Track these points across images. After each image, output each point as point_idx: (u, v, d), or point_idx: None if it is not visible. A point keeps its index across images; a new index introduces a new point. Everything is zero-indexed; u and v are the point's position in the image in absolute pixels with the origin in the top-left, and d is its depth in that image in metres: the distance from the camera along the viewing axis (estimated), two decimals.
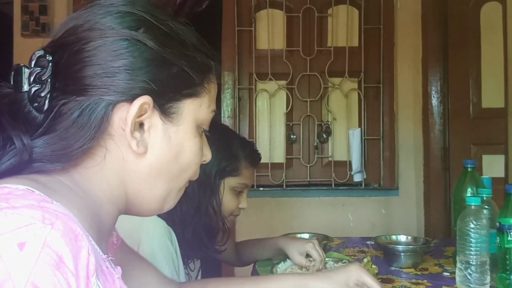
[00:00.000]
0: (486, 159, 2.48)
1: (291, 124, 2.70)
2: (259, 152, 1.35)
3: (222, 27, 2.72)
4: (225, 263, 1.61)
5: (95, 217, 0.57)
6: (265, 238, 1.48)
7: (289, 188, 2.68)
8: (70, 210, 0.51)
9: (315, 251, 1.28)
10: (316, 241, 1.32)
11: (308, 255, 1.30)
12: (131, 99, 0.57)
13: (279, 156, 2.69)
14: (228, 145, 1.23)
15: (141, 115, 0.58)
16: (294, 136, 2.70)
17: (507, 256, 1.06)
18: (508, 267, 1.06)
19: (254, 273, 1.38)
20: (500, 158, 2.11)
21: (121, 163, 0.59)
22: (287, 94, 2.71)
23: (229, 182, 1.24)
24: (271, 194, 2.68)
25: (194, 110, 0.63)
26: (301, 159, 2.69)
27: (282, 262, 1.36)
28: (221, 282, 0.95)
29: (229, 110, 2.69)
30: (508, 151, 1.95)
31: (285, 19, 2.69)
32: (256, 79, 2.69)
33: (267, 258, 1.42)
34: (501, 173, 2.08)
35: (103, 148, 0.58)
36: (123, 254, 0.75)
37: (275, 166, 2.67)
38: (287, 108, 2.70)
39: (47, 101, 0.56)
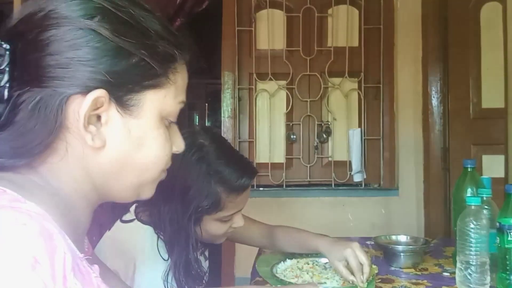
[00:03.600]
0: (486, 159, 2.48)
1: (291, 124, 2.70)
2: (252, 170, 1.16)
3: (222, 27, 2.72)
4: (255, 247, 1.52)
5: (69, 215, 0.56)
6: (305, 235, 1.35)
7: (289, 188, 2.69)
8: (44, 209, 0.50)
9: (354, 258, 1.17)
10: (356, 245, 1.19)
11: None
12: (85, 91, 0.54)
13: (279, 156, 2.69)
14: (203, 183, 1.06)
15: (97, 108, 0.55)
16: (294, 136, 2.70)
17: (507, 256, 1.06)
18: (508, 267, 1.06)
19: (254, 273, 1.38)
20: (500, 158, 2.11)
21: (82, 157, 0.57)
22: (287, 94, 2.71)
23: (213, 216, 1.10)
24: (271, 194, 2.68)
25: (157, 102, 0.60)
26: (301, 159, 2.69)
27: (282, 262, 1.35)
28: None
29: (229, 110, 2.69)
30: (508, 151, 1.95)
31: (285, 19, 2.70)
32: (256, 79, 2.69)
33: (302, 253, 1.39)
34: (501, 173, 2.08)
35: (63, 142, 0.56)
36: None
37: (275, 166, 2.67)
38: (287, 108, 2.70)
39: (6, 91, 0.54)
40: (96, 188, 0.60)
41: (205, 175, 1.06)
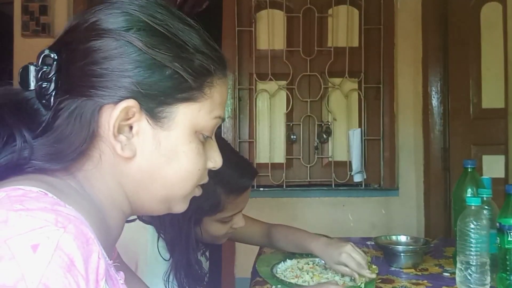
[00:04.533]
0: (486, 159, 2.48)
1: (291, 124, 2.70)
2: (252, 171, 1.16)
3: (222, 27, 2.72)
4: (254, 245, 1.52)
5: (102, 221, 0.58)
6: (300, 236, 1.34)
7: (289, 188, 2.69)
8: (81, 214, 0.51)
9: (350, 259, 1.16)
10: (349, 248, 1.18)
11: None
12: (117, 101, 0.55)
13: (279, 156, 2.69)
14: (203, 184, 1.10)
15: (129, 118, 0.56)
16: (294, 136, 2.70)
17: (507, 257, 1.06)
18: (508, 268, 1.06)
19: (254, 273, 1.38)
20: (500, 159, 2.11)
21: (114, 165, 0.58)
22: (287, 94, 2.71)
23: (213, 217, 1.10)
24: (271, 194, 2.68)
25: (190, 116, 0.60)
26: (301, 159, 2.69)
27: (282, 262, 1.35)
28: None
29: (229, 110, 2.69)
30: (508, 151, 1.95)
31: (285, 19, 2.70)
32: (256, 79, 2.69)
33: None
34: (501, 174, 2.08)
35: (97, 150, 0.58)
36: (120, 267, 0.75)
37: (275, 166, 2.67)
38: (287, 108, 2.70)
39: (52, 98, 0.57)
40: (128, 197, 0.61)
41: None
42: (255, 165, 2.60)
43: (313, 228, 1.52)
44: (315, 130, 2.70)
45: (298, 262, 1.37)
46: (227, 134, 2.67)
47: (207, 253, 1.26)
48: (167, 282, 1.04)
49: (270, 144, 2.69)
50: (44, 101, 0.57)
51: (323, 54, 2.69)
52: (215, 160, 0.66)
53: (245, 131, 2.72)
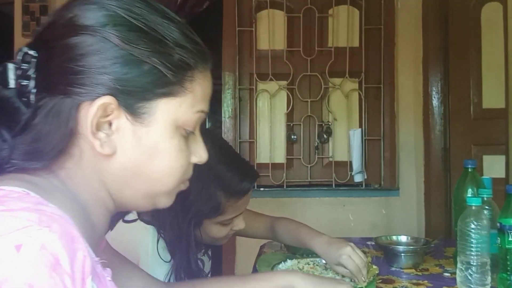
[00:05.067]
0: (487, 159, 2.48)
1: (291, 124, 2.70)
2: (253, 174, 1.15)
3: (222, 28, 2.72)
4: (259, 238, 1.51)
5: (87, 219, 0.57)
6: (302, 232, 1.32)
7: (289, 188, 2.69)
8: (65, 212, 0.51)
9: (350, 261, 1.15)
10: (349, 250, 1.16)
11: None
12: (95, 98, 0.55)
13: (280, 157, 2.69)
14: (203, 187, 1.05)
15: (108, 115, 0.56)
16: (295, 137, 2.70)
17: (507, 257, 1.06)
18: (509, 268, 1.06)
19: (255, 272, 1.38)
20: (501, 159, 2.11)
21: (95, 163, 0.58)
22: (287, 94, 2.71)
23: (213, 220, 1.10)
24: (272, 195, 2.68)
25: (171, 111, 0.59)
26: (301, 159, 2.69)
27: (282, 262, 1.35)
28: (209, 282, 0.93)
29: (230, 110, 2.69)
30: (508, 151, 1.95)
31: (285, 19, 2.70)
32: (257, 79, 2.69)
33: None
34: (501, 174, 2.08)
35: (78, 147, 0.57)
36: (109, 257, 0.73)
37: (276, 166, 2.67)
38: (287, 108, 2.70)
39: (32, 96, 0.56)
40: (111, 194, 0.61)
41: (205, 180, 1.05)
42: (255, 165, 2.61)
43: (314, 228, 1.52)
44: (316, 130, 2.70)
45: (298, 262, 1.37)
46: (228, 134, 2.67)
47: (209, 252, 1.26)
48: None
49: (270, 144, 2.69)
50: (24, 99, 0.56)
51: (323, 54, 2.68)
52: (200, 155, 0.65)
53: (245, 131, 2.71)
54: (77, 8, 0.57)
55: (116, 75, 0.55)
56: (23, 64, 0.56)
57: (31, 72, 0.56)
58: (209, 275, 1.25)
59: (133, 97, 0.56)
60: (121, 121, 0.57)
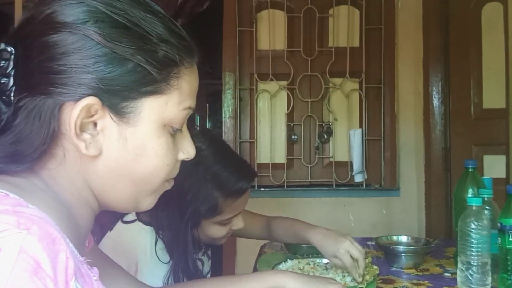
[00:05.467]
0: (487, 159, 2.47)
1: (292, 124, 2.70)
2: (250, 174, 1.14)
3: (223, 28, 2.72)
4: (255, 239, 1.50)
5: (70, 219, 0.56)
6: (298, 226, 1.32)
7: (290, 188, 2.68)
8: (46, 213, 0.50)
9: (347, 256, 1.14)
10: (348, 244, 1.16)
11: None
12: (78, 99, 0.53)
13: (280, 157, 2.69)
14: (200, 188, 1.05)
15: (92, 116, 0.54)
16: (295, 137, 2.70)
17: (508, 257, 1.06)
18: (509, 268, 1.06)
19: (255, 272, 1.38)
20: (501, 159, 2.11)
21: (79, 163, 0.56)
22: (288, 94, 2.71)
23: (211, 220, 1.09)
24: (272, 195, 2.68)
25: (157, 109, 0.57)
26: (302, 159, 2.69)
27: (283, 262, 1.35)
28: (198, 284, 0.91)
29: (230, 110, 2.69)
30: (509, 151, 1.95)
31: (286, 19, 2.69)
32: (257, 79, 2.69)
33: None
34: (502, 174, 2.08)
35: (61, 148, 0.55)
36: (96, 258, 0.71)
37: (276, 166, 2.67)
38: (288, 108, 2.70)
39: (12, 94, 0.54)
40: (95, 195, 0.59)
41: (201, 180, 1.05)
42: (256, 165, 2.61)
43: None
44: (316, 130, 2.70)
45: (299, 262, 1.36)
46: (228, 135, 2.67)
47: (209, 252, 1.26)
48: (167, 284, 1.03)
49: (271, 144, 2.69)
50: (4, 97, 0.54)
51: (324, 54, 2.68)
52: (187, 151, 0.64)
53: (246, 131, 2.71)
54: (56, 4, 0.54)
55: (99, 74, 0.53)
56: (1, 61, 0.54)
57: (9, 69, 0.54)
58: (209, 275, 1.25)
59: (117, 97, 0.54)
60: (106, 121, 0.55)
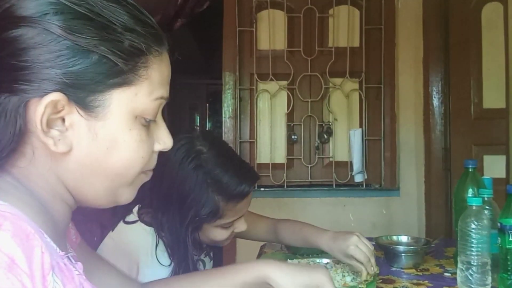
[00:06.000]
0: (487, 159, 2.47)
1: (292, 124, 2.70)
2: (252, 177, 1.12)
3: (223, 28, 2.72)
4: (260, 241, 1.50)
5: (46, 214, 0.55)
6: (306, 231, 1.30)
7: (290, 188, 2.68)
8: (20, 208, 0.49)
9: (358, 251, 1.15)
10: (356, 240, 1.16)
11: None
12: (43, 95, 0.51)
13: (280, 157, 2.69)
14: (201, 191, 1.04)
15: (59, 111, 0.52)
16: (295, 137, 2.70)
17: (508, 257, 1.06)
18: (509, 268, 1.06)
19: None
20: (501, 159, 2.11)
21: (50, 160, 0.55)
22: (288, 94, 2.71)
23: (213, 224, 1.08)
24: (272, 195, 2.68)
25: (127, 101, 0.55)
26: (302, 159, 2.69)
27: None
28: (184, 279, 0.88)
29: (230, 110, 2.69)
30: (509, 151, 1.95)
31: (286, 19, 2.69)
32: (257, 79, 2.69)
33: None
34: (502, 174, 2.08)
35: (30, 146, 0.54)
36: (83, 254, 0.70)
37: (276, 166, 2.67)
38: (288, 108, 2.70)
39: None
40: (69, 191, 0.58)
41: (202, 184, 1.03)
42: (256, 165, 2.61)
43: None
44: (316, 130, 2.70)
45: (299, 262, 1.37)
46: (228, 135, 2.67)
47: (211, 254, 1.26)
48: None
49: (271, 144, 2.69)
50: None
51: (324, 54, 2.68)
52: (164, 141, 0.62)
53: (246, 131, 2.71)
54: None
55: (63, 68, 0.51)
56: None
57: None
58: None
59: (83, 91, 0.53)
60: (74, 116, 0.53)
